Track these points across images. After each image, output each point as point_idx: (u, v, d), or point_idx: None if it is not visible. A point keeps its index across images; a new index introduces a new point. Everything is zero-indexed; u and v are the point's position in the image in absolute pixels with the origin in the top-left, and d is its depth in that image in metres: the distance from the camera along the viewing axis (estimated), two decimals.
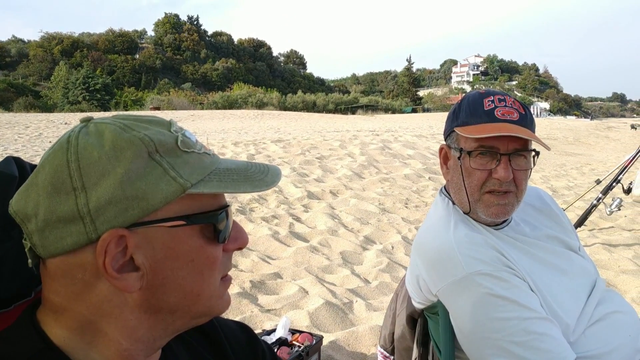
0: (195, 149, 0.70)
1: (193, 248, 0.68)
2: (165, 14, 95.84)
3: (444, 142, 1.52)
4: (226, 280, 0.75)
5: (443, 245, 1.36)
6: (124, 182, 0.62)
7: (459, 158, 1.40)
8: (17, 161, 0.83)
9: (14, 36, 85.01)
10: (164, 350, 0.79)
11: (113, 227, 0.62)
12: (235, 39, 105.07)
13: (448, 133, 1.47)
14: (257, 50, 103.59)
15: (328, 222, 5.79)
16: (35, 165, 0.85)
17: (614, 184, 5.23)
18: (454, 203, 1.48)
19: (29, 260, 0.68)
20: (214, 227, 0.70)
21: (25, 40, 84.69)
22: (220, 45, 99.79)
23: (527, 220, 1.51)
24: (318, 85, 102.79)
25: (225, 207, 0.72)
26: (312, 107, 62.74)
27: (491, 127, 1.33)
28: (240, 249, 0.76)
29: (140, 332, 0.69)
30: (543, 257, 1.40)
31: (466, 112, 1.40)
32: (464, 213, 1.45)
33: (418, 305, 1.53)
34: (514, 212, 1.41)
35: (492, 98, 1.39)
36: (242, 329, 0.97)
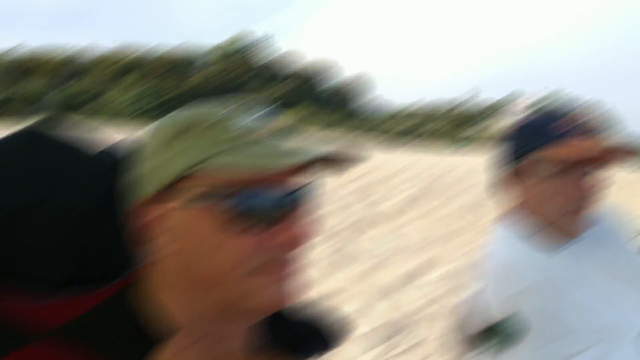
0: (245, 131, 0.68)
1: (210, 226, 0.65)
2: (221, 42, 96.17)
3: None
4: (272, 273, 0.66)
5: (500, 261, 1.40)
6: (156, 152, 0.69)
7: None
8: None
9: (82, 46, 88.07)
10: None
11: (155, 189, 0.68)
12: (296, 64, 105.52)
13: None
14: (311, 78, 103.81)
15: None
16: None
17: None
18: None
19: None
20: (230, 209, 0.65)
21: (93, 50, 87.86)
22: (276, 73, 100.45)
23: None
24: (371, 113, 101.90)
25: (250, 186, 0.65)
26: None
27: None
28: (289, 247, 0.66)
29: (187, 301, 0.69)
30: (594, 282, 1.41)
31: None
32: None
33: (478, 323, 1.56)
34: None
35: None
36: None
